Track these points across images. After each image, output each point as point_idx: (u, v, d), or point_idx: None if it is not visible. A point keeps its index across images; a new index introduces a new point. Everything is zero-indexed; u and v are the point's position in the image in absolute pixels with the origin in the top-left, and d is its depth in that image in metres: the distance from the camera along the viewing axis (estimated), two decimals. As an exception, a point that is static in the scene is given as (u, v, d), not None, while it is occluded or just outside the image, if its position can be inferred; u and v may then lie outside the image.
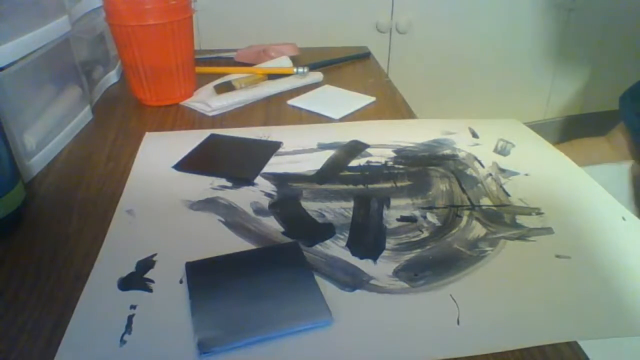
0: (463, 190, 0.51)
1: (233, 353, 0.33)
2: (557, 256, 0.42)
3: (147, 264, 0.41)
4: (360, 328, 0.35)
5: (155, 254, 0.42)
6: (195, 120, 0.69)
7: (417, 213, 0.48)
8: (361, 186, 0.52)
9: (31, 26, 0.54)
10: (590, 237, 0.44)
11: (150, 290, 0.38)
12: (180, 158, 0.57)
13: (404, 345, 0.34)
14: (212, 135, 0.63)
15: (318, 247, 0.43)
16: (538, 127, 0.66)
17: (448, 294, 0.38)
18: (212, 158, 0.58)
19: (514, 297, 0.38)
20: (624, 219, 0.47)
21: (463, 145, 0.60)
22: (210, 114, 0.70)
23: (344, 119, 0.69)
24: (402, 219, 0.47)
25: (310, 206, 0.49)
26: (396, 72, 1.37)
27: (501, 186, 0.52)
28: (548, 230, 0.45)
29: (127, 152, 0.60)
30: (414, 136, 0.62)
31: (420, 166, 0.56)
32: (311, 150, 0.59)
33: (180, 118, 0.70)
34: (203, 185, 0.52)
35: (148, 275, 0.40)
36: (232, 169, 0.55)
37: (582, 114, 1.57)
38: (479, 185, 0.52)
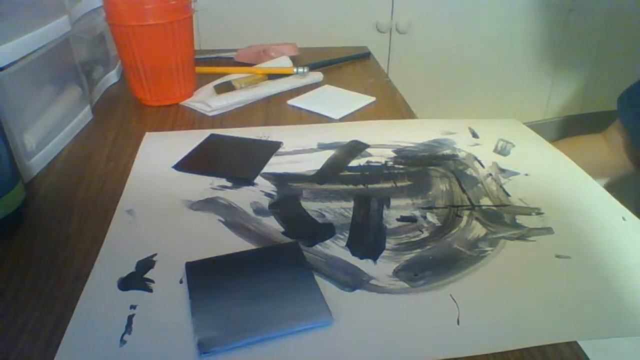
0: (463, 190, 0.51)
1: (233, 353, 0.33)
2: (557, 256, 0.42)
3: (147, 264, 0.41)
4: (360, 328, 0.35)
5: (155, 254, 0.42)
6: (195, 120, 0.69)
7: (417, 213, 0.48)
8: (361, 186, 0.52)
9: (31, 26, 0.54)
10: (590, 237, 0.44)
11: (150, 290, 0.38)
12: (180, 158, 0.57)
13: (404, 345, 0.34)
14: (212, 135, 0.63)
15: (318, 247, 0.43)
16: (538, 127, 0.66)
17: (448, 294, 0.38)
18: (212, 158, 0.58)
19: (514, 297, 0.38)
20: (624, 219, 0.47)
21: (463, 145, 0.60)
22: (210, 114, 0.70)
23: (344, 119, 0.69)
24: (402, 219, 0.47)
25: (310, 206, 0.49)
26: (396, 72, 1.37)
27: (501, 186, 0.52)
28: (548, 230, 0.45)
29: (127, 152, 0.60)
30: (414, 136, 0.62)
31: (420, 166, 0.56)
32: (311, 150, 0.59)
33: (180, 118, 0.70)
34: (203, 185, 0.52)
35: (148, 275, 0.40)
36: (232, 169, 0.55)
37: (582, 114, 1.57)
38: (479, 185, 0.52)
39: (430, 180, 0.53)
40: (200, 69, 0.80)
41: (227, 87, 0.76)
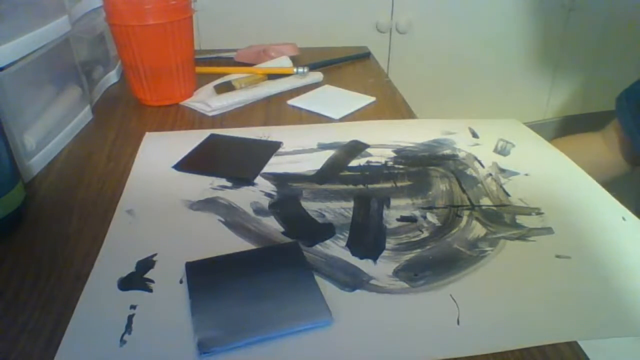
0: (463, 190, 0.51)
1: (233, 353, 0.33)
2: (557, 256, 0.42)
3: (147, 264, 0.41)
4: (360, 328, 0.35)
5: (155, 254, 0.42)
6: (195, 120, 0.69)
7: (417, 213, 0.48)
8: (361, 186, 0.52)
9: (31, 26, 0.54)
10: (590, 237, 0.44)
11: (150, 290, 0.38)
12: (180, 158, 0.57)
13: (404, 345, 0.34)
14: (212, 135, 0.63)
15: (318, 247, 0.43)
16: (538, 127, 0.66)
17: (448, 294, 0.38)
18: (212, 158, 0.58)
19: (514, 297, 0.38)
20: (624, 219, 0.47)
21: (463, 145, 0.60)
22: (210, 114, 0.70)
23: (344, 119, 0.69)
24: (402, 219, 0.47)
25: (310, 206, 0.49)
26: (396, 72, 1.37)
27: (501, 186, 0.52)
28: (548, 230, 0.45)
29: (127, 152, 0.60)
30: (414, 136, 0.62)
31: (420, 166, 0.56)
32: (311, 150, 0.59)
33: (180, 118, 0.70)
34: (203, 185, 0.52)
35: (148, 275, 0.40)
36: (232, 169, 0.55)
37: (582, 114, 1.57)
38: (479, 185, 0.52)
39: (430, 180, 0.53)
40: (200, 69, 0.80)
41: (227, 87, 0.76)
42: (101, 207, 0.49)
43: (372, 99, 0.74)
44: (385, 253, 0.42)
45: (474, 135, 0.63)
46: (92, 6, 0.75)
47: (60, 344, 0.34)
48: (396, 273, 0.40)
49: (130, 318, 0.36)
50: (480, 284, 0.39)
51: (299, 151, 0.59)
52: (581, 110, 1.58)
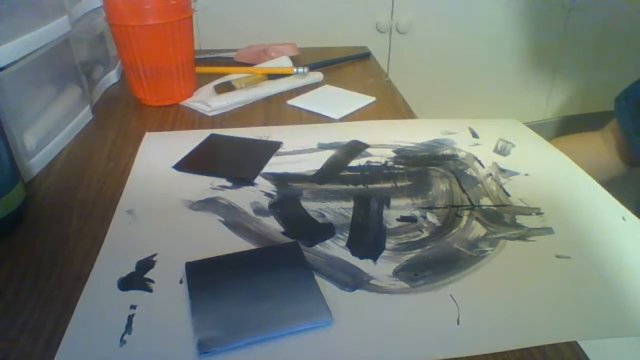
0: (463, 190, 0.51)
1: (233, 353, 0.33)
2: (557, 256, 0.42)
3: (147, 264, 0.41)
4: (360, 328, 0.35)
5: (155, 254, 0.42)
6: (195, 120, 0.69)
7: (417, 213, 0.48)
8: (361, 186, 0.52)
9: (31, 26, 0.54)
10: (590, 237, 0.44)
11: (150, 290, 0.38)
12: (180, 158, 0.57)
13: (404, 345, 0.34)
14: (212, 135, 0.63)
15: (318, 247, 0.43)
16: (538, 127, 0.66)
17: (448, 294, 0.38)
18: (212, 158, 0.58)
19: (514, 297, 0.38)
20: (624, 219, 0.47)
21: (463, 145, 0.60)
22: (210, 114, 0.70)
23: (344, 119, 0.69)
24: (402, 219, 0.47)
25: (310, 206, 0.49)
26: (396, 72, 1.37)
27: (501, 186, 0.52)
28: (548, 230, 0.45)
29: (127, 152, 0.60)
30: (414, 136, 0.62)
31: (420, 166, 0.56)
32: (311, 150, 0.59)
33: (180, 118, 0.70)
34: (203, 185, 0.52)
35: (148, 275, 0.40)
36: (232, 169, 0.55)
37: (582, 114, 1.57)
38: (479, 185, 0.52)
39: (430, 180, 0.53)
40: (200, 69, 0.80)
41: (227, 87, 0.76)
42: (101, 207, 0.49)
43: (372, 99, 0.74)
44: (385, 253, 0.42)
45: (474, 135, 0.63)
46: (92, 6, 0.75)
47: (60, 344, 0.34)
48: (396, 273, 0.40)
49: (130, 318, 0.36)
50: (480, 284, 0.39)
51: (299, 151, 0.59)
52: (581, 110, 1.58)
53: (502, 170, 0.55)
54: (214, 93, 0.75)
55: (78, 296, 0.38)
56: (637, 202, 0.57)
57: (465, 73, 1.45)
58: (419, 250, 0.43)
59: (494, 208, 0.49)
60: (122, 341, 0.34)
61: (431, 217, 0.47)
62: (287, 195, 0.51)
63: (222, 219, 0.47)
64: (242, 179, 0.53)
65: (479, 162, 0.57)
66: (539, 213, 0.48)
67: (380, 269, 0.40)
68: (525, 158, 0.57)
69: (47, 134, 0.59)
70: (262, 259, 0.41)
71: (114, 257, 0.42)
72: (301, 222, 0.47)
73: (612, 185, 0.54)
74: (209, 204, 0.49)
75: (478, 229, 0.45)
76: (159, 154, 0.59)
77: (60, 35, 0.60)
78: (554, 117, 1.59)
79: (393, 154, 0.58)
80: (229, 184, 0.53)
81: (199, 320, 0.35)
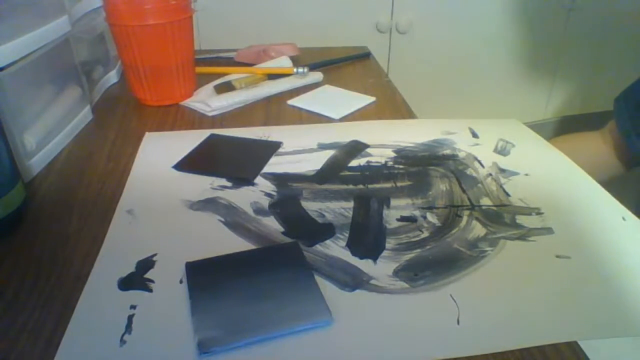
0: (463, 190, 0.51)
1: (233, 353, 0.33)
2: (557, 256, 0.42)
3: (147, 264, 0.41)
4: (360, 328, 0.35)
5: (155, 254, 0.42)
6: (195, 120, 0.69)
7: (417, 213, 0.48)
8: (361, 186, 0.52)
9: (31, 26, 0.54)
10: (590, 237, 0.44)
11: (150, 290, 0.38)
12: (180, 158, 0.57)
13: (404, 345, 0.34)
14: (212, 135, 0.63)
15: (318, 247, 0.43)
16: (538, 127, 0.66)
17: (448, 294, 0.38)
18: (212, 158, 0.58)
19: (514, 297, 0.38)
20: (624, 219, 0.47)
21: (463, 145, 0.60)
22: (210, 114, 0.70)
23: (344, 119, 0.69)
24: (402, 219, 0.47)
25: (310, 206, 0.49)
26: (396, 72, 1.37)
27: (501, 186, 0.52)
28: (548, 230, 0.45)
29: (127, 152, 0.60)
30: (414, 136, 0.62)
31: (420, 166, 0.56)
32: (311, 150, 0.59)
33: (180, 118, 0.70)
34: (203, 185, 0.52)
35: (148, 275, 0.40)
36: (232, 169, 0.55)
37: (582, 114, 1.58)
38: (479, 185, 0.52)
39: (430, 180, 0.53)
40: (200, 69, 0.80)
41: (227, 87, 0.76)
42: (101, 207, 0.49)
43: (372, 99, 0.74)
44: (385, 253, 0.42)
45: (474, 135, 0.63)
46: (92, 6, 0.75)
47: (60, 344, 0.34)
48: (396, 273, 0.40)
49: (130, 318, 0.36)
50: (480, 284, 0.39)
51: (299, 151, 0.59)
52: (581, 110, 1.59)
53: (502, 170, 0.55)
54: (214, 93, 0.75)
55: (78, 296, 0.38)
56: (637, 202, 0.57)
57: (465, 73, 1.45)
58: (419, 250, 0.43)
59: (494, 208, 0.49)
60: (122, 341, 0.34)
61: (431, 217, 0.47)
62: (287, 195, 0.51)
63: (222, 219, 0.47)
64: (242, 179, 0.53)
65: (479, 162, 0.57)
66: (539, 213, 0.48)
67: (380, 269, 0.40)
68: (525, 158, 0.57)
69: (47, 134, 0.59)
70: (262, 259, 0.41)
71: (114, 257, 0.42)
72: (301, 222, 0.47)
73: (612, 185, 0.54)
74: (209, 204, 0.49)
75: (478, 229, 0.45)
76: (159, 154, 0.59)
77: (60, 35, 0.60)
78: (554, 117, 1.60)
79: (393, 154, 0.58)
80: (229, 184, 0.53)
81: (199, 320, 0.35)
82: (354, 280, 0.39)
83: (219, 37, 1.15)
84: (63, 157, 0.60)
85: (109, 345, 0.34)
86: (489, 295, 0.38)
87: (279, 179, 0.53)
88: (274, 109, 0.72)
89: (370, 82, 0.82)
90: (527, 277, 0.40)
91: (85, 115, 0.68)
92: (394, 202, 0.49)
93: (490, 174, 0.54)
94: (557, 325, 0.35)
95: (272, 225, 0.46)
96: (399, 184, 0.52)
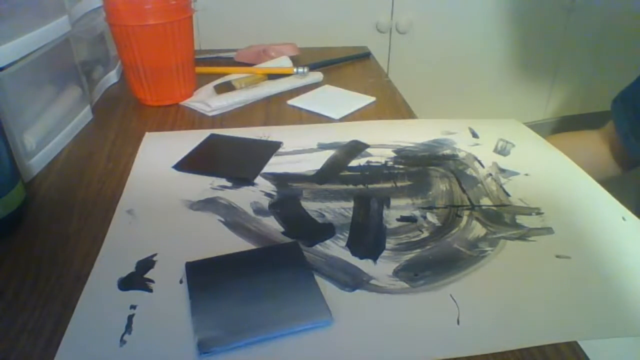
0: (463, 190, 0.51)
1: (233, 353, 0.33)
2: (557, 256, 0.42)
3: (147, 264, 0.41)
4: (360, 328, 0.35)
5: (155, 254, 0.42)
6: (195, 120, 0.69)
7: (417, 213, 0.48)
8: (361, 186, 0.52)
9: (31, 26, 0.54)
10: (590, 237, 0.44)
11: (150, 290, 0.38)
12: (180, 158, 0.57)
13: (404, 345, 0.34)
14: (212, 135, 0.63)
15: (318, 247, 0.43)
16: (538, 127, 0.66)
17: (448, 294, 0.38)
18: (212, 158, 0.58)
19: (514, 297, 0.38)
20: (624, 219, 0.47)
21: (463, 145, 0.60)
22: (210, 114, 0.70)
23: (344, 119, 0.69)
24: (402, 219, 0.47)
25: (310, 206, 0.49)
26: (396, 72, 1.37)
27: (501, 186, 0.52)
28: (548, 230, 0.45)
29: (127, 152, 0.60)
30: (414, 136, 0.62)
31: (420, 166, 0.56)
32: (311, 150, 0.59)
33: (180, 118, 0.70)
34: (203, 185, 0.52)
35: (148, 275, 0.40)
36: (232, 169, 0.55)
37: (582, 114, 1.57)
38: (479, 185, 0.52)
39: (430, 180, 0.53)
40: (200, 69, 0.80)
41: (227, 87, 0.76)
42: (101, 207, 0.49)
43: (372, 99, 0.74)
44: (385, 253, 0.42)
45: (474, 135, 0.63)
46: (92, 6, 0.75)
47: (60, 344, 0.34)
48: (396, 273, 0.40)
49: (130, 318, 0.36)
50: (480, 284, 0.39)
51: (299, 151, 0.59)
52: (580, 110, 1.58)
53: (502, 170, 0.55)
54: (214, 93, 0.75)
55: (78, 296, 0.38)
56: (637, 202, 0.57)
57: (465, 73, 1.45)
58: (419, 250, 0.43)
59: (494, 208, 0.49)
60: (122, 341, 0.34)
61: (431, 217, 0.47)
62: (287, 195, 0.51)
63: (222, 219, 0.47)
64: (242, 179, 0.53)
65: (479, 162, 0.57)
66: (539, 213, 0.48)
67: (380, 269, 0.40)
68: (525, 158, 0.57)
69: (47, 134, 0.59)
70: (262, 259, 0.41)
71: (114, 257, 0.42)
72: (301, 222, 0.47)
73: (612, 185, 0.54)
74: (209, 204, 0.49)
75: (478, 229, 0.45)
76: (159, 154, 0.59)
77: (60, 35, 0.60)
78: (553, 117, 1.59)
79: (393, 154, 0.58)
80: (229, 184, 0.53)
81: (199, 320, 0.35)
82: (354, 280, 0.39)
83: (219, 37, 1.15)
84: (63, 157, 0.60)
85: (109, 345, 0.34)
86: (489, 295, 0.38)
87: (279, 179, 0.53)
88: (274, 109, 0.72)
89: (370, 82, 0.82)
90: (527, 277, 0.40)
91: (85, 115, 0.68)
92: (394, 202, 0.49)
93: (490, 174, 0.54)
94: (557, 325, 0.35)
95: (272, 225, 0.46)
96: (399, 184, 0.52)
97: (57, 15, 0.60)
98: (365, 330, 0.35)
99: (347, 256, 0.42)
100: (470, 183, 0.53)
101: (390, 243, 0.44)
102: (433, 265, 0.41)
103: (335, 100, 0.74)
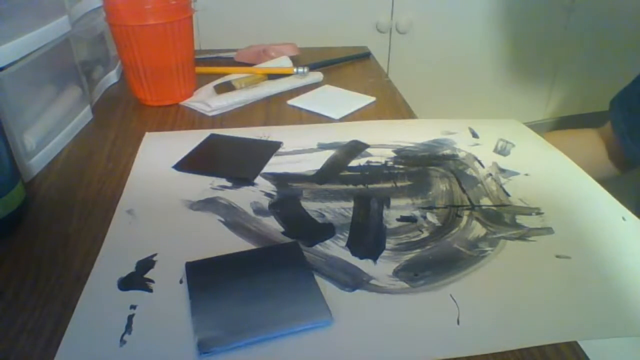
0: (463, 190, 0.51)
1: (233, 353, 0.33)
2: (557, 256, 0.42)
3: (147, 264, 0.41)
4: (360, 328, 0.35)
5: (155, 254, 0.42)
6: (195, 120, 0.69)
7: (417, 213, 0.48)
8: (361, 186, 0.52)
9: (31, 26, 0.54)
10: (590, 237, 0.44)
11: (150, 290, 0.38)
12: (180, 158, 0.57)
13: (404, 345, 0.34)
14: (212, 135, 0.63)
15: (318, 247, 0.43)
16: (538, 127, 0.66)
17: (448, 294, 0.38)
18: (212, 158, 0.58)
19: (514, 297, 0.38)
20: (624, 219, 0.47)
21: (463, 145, 0.60)
22: (210, 114, 0.70)
23: (344, 119, 0.69)
24: (402, 219, 0.47)
25: (310, 206, 0.49)
26: (396, 72, 1.37)
27: (501, 186, 0.52)
28: (548, 230, 0.45)
29: (127, 152, 0.60)
30: (414, 136, 0.62)
31: (420, 166, 0.56)
32: (311, 150, 0.59)
33: (180, 118, 0.70)
34: (203, 185, 0.52)
35: (148, 275, 0.40)
36: (232, 169, 0.55)
37: (582, 114, 1.57)
38: (479, 185, 0.52)
39: (430, 180, 0.53)
40: (200, 69, 0.80)
41: (227, 87, 0.76)
42: (101, 207, 0.49)
43: (372, 99, 0.74)
44: (385, 253, 0.42)
45: (474, 135, 0.63)
46: (92, 6, 0.75)
47: (60, 344, 0.34)
48: (396, 273, 0.40)
49: (130, 318, 0.36)
50: (480, 284, 0.39)
51: (299, 151, 0.59)
52: (580, 110, 1.58)
53: (502, 170, 0.55)
54: (214, 93, 0.75)
55: (78, 296, 0.38)
56: (637, 202, 0.57)
57: (466, 73, 1.45)
58: (419, 250, 0.43)
59: (494, 208, 0.49)
60: (122, 341, 0.34)
61: (431, 217, 0.47)
62: (287, 195, 0.51)
63: (222, 219, 0.47)
64: (242, 179, 0.53)
65: (479, 162, 0.57)
66: (539, 213, 0.48)
67: (380, 269, 0.40)
68: (525, 158, 0.57)
69: (47, 134, 0.59)
70: (262, 259, 0.41)
71: (114, 257, 0.42)
72: (301, 222, 0.47)
73: (612, 185, 0.54)
74: (209, 204, 0.49)
75: (478, 229, 0.45)
76: (159, 154, 0.59)
77: (60, 35, 0.60)
78: (553, 117, 1.59)
79: (393, 154, 0.58)
80: (229, 184, 0.53)
81: (199, 320, 0.35)
82: (354, 280, 0.39)
83: (219, 37, 1.15)
84: (63, 157, 0.60)
85: (109, 345, 0.34)
86: (489, 295, 0.38)
87: (279, 179, 0.53)
88: (274, 109, 0.72)
89: (370, 82, 0.82)
90: (527, 277, 0.40)
91: (85, 115, 0.68)
92: (394, 202, 0.49)
93: (490, 174, 0.54)
94: (557, 325, 0.35)
95: (272, 225, 0.46)
96: (399, 184, 0.52)
97: (57, 15, 0.60)
98: (365, 330, 0.35)
99: (347, 256, 0.42)
100: (470, 183, 0.53)
101: (390, 243, 0.44)
102: (433, 265, 0.41)
103: (335, 100, 0.74)
